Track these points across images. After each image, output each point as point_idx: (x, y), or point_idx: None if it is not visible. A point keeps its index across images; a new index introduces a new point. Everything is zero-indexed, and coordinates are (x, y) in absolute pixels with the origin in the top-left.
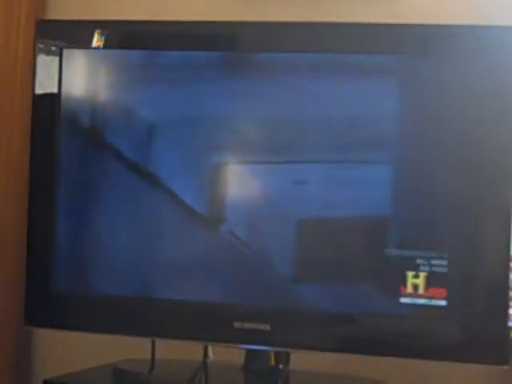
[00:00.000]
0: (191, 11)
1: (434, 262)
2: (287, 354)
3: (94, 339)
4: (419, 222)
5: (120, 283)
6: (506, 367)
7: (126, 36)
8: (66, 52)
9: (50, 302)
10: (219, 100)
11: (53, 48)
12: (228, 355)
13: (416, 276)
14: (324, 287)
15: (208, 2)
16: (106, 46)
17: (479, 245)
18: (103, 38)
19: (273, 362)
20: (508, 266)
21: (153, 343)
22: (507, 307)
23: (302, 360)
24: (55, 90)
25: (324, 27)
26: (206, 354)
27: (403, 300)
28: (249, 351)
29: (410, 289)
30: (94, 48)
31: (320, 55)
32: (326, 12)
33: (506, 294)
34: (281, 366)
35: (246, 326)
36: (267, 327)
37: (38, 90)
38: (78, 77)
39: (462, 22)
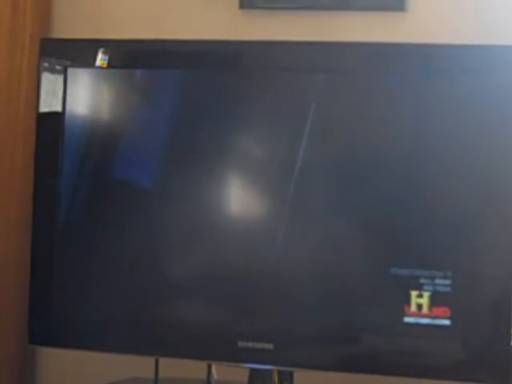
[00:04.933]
0: (193, 29)
1: (437, 281)
2: (291, 373)
3: (98, 358)
4: (423, 241)
5: (123, 302)
6: None
7: (131, 55)
8: (70, 71)
9: (53, 320)
10: (224, 119)
11: (57, 67)
12: (232, 374)
13: (420, 295)
14: (327, 306)
15: (209, 19)
16: (110, 65)
17: (483, 264)
18: (108, 57)
19: (276, 381)
20: None
21: (156, 362)
22: (510, 327)
23: (305, 379)
24: (59, 109)
25: (325, 46)
26: (209, 373)
27: (407, 319)
28: (252, 370)
29: (413, 308)
30: (99, 67)
31: (321, 75)
32: (329, 30)
33: (510, 313)
34: None
35: (250, 345)
36: (270, 346)
37: (43, 109)
38: (83, 96)
39: (468, 42)
